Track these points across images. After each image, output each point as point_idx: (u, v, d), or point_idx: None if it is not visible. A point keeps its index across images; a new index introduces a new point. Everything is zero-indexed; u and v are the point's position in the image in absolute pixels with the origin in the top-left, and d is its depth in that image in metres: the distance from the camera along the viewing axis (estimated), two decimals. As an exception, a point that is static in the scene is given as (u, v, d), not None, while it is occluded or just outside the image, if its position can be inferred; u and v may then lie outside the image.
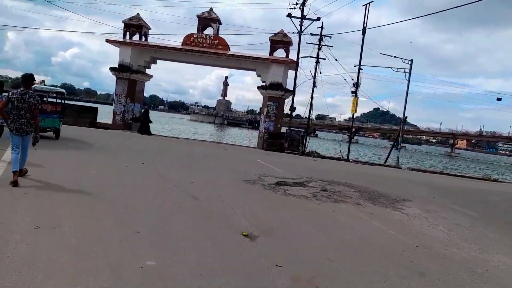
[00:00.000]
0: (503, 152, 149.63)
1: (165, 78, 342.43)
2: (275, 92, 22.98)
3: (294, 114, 25.61)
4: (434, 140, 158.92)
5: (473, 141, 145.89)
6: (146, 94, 26.78)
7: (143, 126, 21.70)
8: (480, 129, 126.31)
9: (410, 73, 20.10)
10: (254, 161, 13.85)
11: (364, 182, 11.22)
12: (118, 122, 23.81)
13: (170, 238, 4.35)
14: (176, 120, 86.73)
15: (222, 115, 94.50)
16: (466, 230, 6.67)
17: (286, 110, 24.35)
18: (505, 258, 5.21)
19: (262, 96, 24.12)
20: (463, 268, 4.55)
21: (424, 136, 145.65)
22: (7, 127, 6.20)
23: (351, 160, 21.93)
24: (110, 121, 24.49)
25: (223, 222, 5.24)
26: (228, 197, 6.84)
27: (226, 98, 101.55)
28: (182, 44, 23.97)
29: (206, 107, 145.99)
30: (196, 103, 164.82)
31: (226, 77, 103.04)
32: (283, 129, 24.19)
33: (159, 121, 62.88)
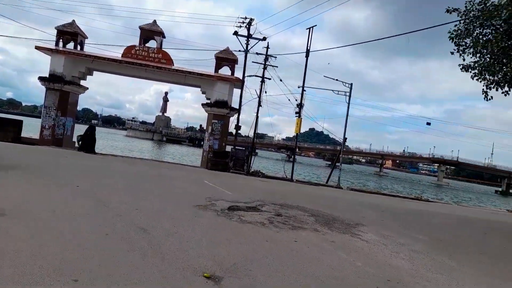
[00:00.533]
0: (423, 171, 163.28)
1: (99, 91, 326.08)
2: (220, 110, 22.46)
3: (242, 133, 25.25)
4: (363, 160, 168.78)
5: (397, 161, 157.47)
6: (78, 108, 24.68)
7: (87, 143, 19.85)
8: (404, 150, 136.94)
9: (350, 96, 20.85)
10: (201, 182, 13.05)
11: (314, 205, 10.99)
12: (47, 138, 21.53)
13: (118, 285, 3.52)
14: (112, 136, 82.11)
15: (161, 131, 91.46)
16: (425, 257, 6.56)
17: (231, 128, 23.90)
18: (473, 289, 5.08)
19: (206, 114, 23.44)
20: (441, 305, 4.28)
21: (355, 156, 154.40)
22: None
23: (294, 180, 21.93)
24: (37, 136, 22.08)
25: (180, 261, 4.48)
26: (181, 228, 6.05)
27: (166, 114, 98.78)
28: (122, 56, 22.60)
29: (144, 122, 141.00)
30: (133, 118, 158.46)
31: (166, 93, 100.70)
32: (228, 148, 23.63)
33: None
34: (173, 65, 23.10)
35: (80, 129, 24.23)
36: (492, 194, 74.35)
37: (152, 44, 23.49)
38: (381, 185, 48.15)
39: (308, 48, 21.25)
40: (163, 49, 23.34)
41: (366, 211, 11.80)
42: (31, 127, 28.55)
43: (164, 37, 23.67)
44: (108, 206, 6.92)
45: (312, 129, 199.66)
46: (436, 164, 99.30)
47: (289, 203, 10.53)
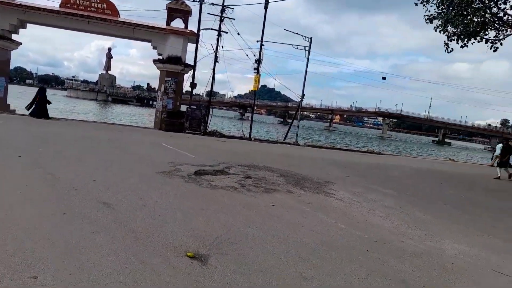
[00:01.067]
0: (368, 125, 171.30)
1: (33, 48, 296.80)
2: (174, 67, 21.02)
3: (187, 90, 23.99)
4: (313, 116, 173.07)
5: (345, 116, 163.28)
6: (10, 66, 21.98)
7: (38, 107, 17.73)
8: (351, 105, 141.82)
9: (309, 51, 20.39)
10: (159, 145, 12.23)
11: (280, 164, 10.75)
12: (-25, 100, 19.06)
13: (88, 278, 2.93)
14: (51, 97, 75.71)
15: (106, 91, 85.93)
16: (400, 213, 6.58)
17: (186, 87, 22.67)
18: (455, 245, 5.10)
19: (157, 71, 21.92)
20: (433, 265, 4.19)
21: (305, 112, 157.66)
22: None
23: (252, 139, 21.63)
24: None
25: (156, 240, 3.94)
26: (149, 199, 5.44)
27: (110, 72, 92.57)
28: (60, 6, 20.02)
29: (85, 81, 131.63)
30: (73, 77, 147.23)
31: (109, 49, 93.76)
32: (183, 108, 22.54)
33: (29, 98, 54.21)
34: (119, 16, 20.96)
35: (13, 90, 21.74)
36: (430, 144, 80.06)
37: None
38: (333, 140, 49.62)
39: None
40: (106, -1, 21.02)
41: (330, 168, 11.81)
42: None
43: (106, -15, 21.21)
44: (59, 178, 6.07)
45: (263, 86, 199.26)
46: (381, 118, 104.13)
47: (255, 164, 10.18)
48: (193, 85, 21.75)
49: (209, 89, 23.89)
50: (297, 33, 20.13)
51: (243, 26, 25.13)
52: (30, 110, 17.90)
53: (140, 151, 10.68)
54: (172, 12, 21.61)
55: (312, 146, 21.53)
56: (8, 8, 19.54)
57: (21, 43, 21.34)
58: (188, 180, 7.09)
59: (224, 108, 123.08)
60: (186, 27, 21.82)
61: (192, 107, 21.37)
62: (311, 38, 20.60)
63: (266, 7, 20.87)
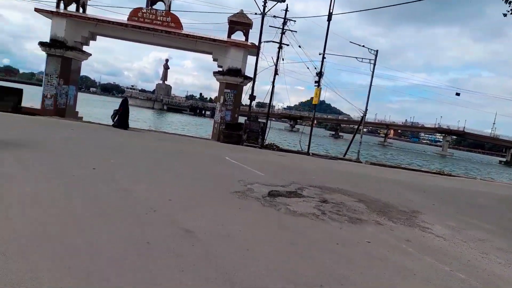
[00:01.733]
0: (425, 141, 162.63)
1: (97, 58, 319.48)
2: (234, 79, 20.90)
3: (243, 102, 23.64)
4: (365, 130, 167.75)
5: (399, 131, 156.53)
6: (78, 75, 22.88)
7: (121, 118, 18.22)
8: (406, 120, 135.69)
9: (375, 64, 19.28)
10: (223, 159, 11.84)
11: (353, 186, 9.87)
12: (49, 107, 20.13)
13: None
14: (111, 104, 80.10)
15: (162, 100, 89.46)
16: (519, 259, 5.46)
17: (244, 99, 22.46)
18: None
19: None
20: None
21: (357, 125, 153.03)
22: None
23: (310, 154, 20.77)
24: (38, 106, 20.66)
25: (254, 285, 3.32)
26: (231, 228, 4.87)
27: (166, 82, 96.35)
28: (128, 19, 20.78)
29: (143, 90, 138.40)
30: (132, 86, 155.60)
31: (167, 60, 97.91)
32: (240, 119, 22.31)
33: (93, 105, 57.39)
34: (183, 29, 21.33)
35: (79, 97, 22.74)
36: (497, 165, 73.81)
37: (159, 6, 21.63)
38: (389, 156, 47.21)
39: (331, 11, 19.45)
40: (171, 11, 21.50)
41: (408, 192, 10.68)
42: (30, 96, 27.00)
43: (172, -2, 21.72)
44: (134, 195, 5.73)
45: (311, 98, 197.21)
46: (439, 134, 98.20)
47: (327, 185, 9.38)
48: (252, 97, 21.46)
49: (260, 101, 23.51)
50: (363, 46, 19.18)
51: (298, 37, 24.57)
52: (114, 121, 18.31)
53: (207, 165, 10.31)
54: (234, 25, 21.59)
55: (375, 164, 20.22)
56: (81, 22, 20.61)
57: (90, 54, 22.42)
58: (265, 204, 6.48)
59: (273, 119, 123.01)
60: (246, 39, 21.69)
61: (251, 119, 21.03)
62: (376, 51, 19.52)
63: (329, 19, 20.13)
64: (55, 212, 4.50)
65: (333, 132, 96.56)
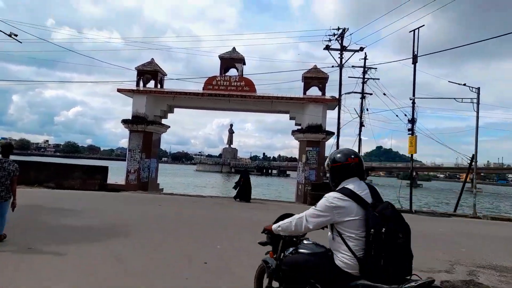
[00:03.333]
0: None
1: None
2: (315, 136, 19.44)
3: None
4: (442, 176, 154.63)
5: (482, 174, 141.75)
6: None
7: (242, 190, 17.11)
8: (488, 162, 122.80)
9: (478, 103, 16.69)
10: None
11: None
12: (132, 182, 20.02)
13: None
14: (182, 171, 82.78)
15: (229, 163, 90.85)
16: None
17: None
18: None
19: (298, 142, 20.58)
20: None
21: (432, 172, 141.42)
22: None
23: (413, 211, 17.87)
24: (121, 181, 20.69)
25: None
26: None
27: (232, 146, 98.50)
28: (203, 89, 20.81)
29: (209, 156, 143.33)
30: (200, 152, 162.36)
31: (231, 125, 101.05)
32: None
33: (165, 173, 59.14)
34: (256, 91, 20.82)
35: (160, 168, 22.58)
36: None
37: (232, 72, 21.59)
38: (488, 205, 41.21)
39: (416, 53, 17.70)
40: (244, 76, 21.28)
41: None
42: (111, 171, 27.74)
43: (244, 63, 21.64)
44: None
45: (379, 147, 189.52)
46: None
47: (495, 262, 6.93)
48: (338, 153, 19.60)
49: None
50: (464, 84, 16.84)
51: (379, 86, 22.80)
52: (235, 193, 17.29)
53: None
54: (309, 81, 20.68)
55: (496, 219, 16.70)
56: (159, 96, 21.03)
57: (169, 126, 22.61)
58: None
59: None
60: (323, 94, 20.51)
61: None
62: (478, 89, 17.02)
63: (415, 62, 18.30)
64: None
65: (408, 181, 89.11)
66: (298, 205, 18.18)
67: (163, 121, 22.12)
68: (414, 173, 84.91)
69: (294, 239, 2.90)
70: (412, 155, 18.12)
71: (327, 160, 2.68)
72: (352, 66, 19.70)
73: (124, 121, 20.32)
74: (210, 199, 17.68)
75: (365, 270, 2.31)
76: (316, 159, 19.48)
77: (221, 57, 21.18)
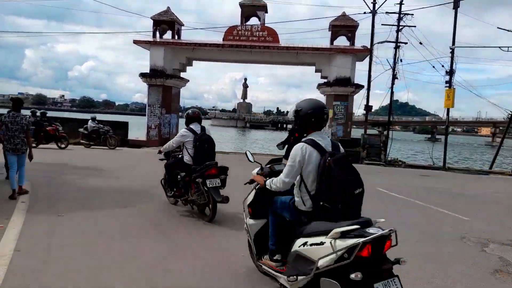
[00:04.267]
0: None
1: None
2: (343, 89, 18.23)
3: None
4: (459, 129, 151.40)
5: (500, 128, 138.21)
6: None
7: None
8: (509, 114, 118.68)
9: (526, 52, 15.11)
10: (375, 190, 9.13)
11: None
12: (154, 138, 19.47)
13: None
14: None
15: (244, 118, 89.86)
16: None
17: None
18: None
19: (324, 96, 19.45)
20: None
21: (451, 126, 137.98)
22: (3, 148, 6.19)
23: (446, 168, 17.00)
24: (142, 138, 20.19)
25: None
26: None
27: (246, 101, 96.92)
28: (223, 39, 19.47)
29: (223, 110, 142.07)
30: (214, 107, 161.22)
31: (245, 79, 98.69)
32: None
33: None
34: (279, 42, 19.41)
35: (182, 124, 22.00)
36: None
37: (253, 21, 20.11)
38: None
39: (459, -4, 15.87)
40: (266, 25, 19.77)
41: None
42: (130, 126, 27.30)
43: (266, 11, 20.03)
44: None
45: (395, 101, 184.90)
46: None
47: None
48: (368, 107, 18.51)
49: (390, 111, 20.39)
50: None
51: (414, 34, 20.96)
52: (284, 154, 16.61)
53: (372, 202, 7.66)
54: (337, 29, 19.06)
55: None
56: (178, 48, 19.80)
57: (188, 80, 21.59)
58: None
59: (354, 126, 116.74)
60: (352, 43, 18.99)
61: (368, 133, 18.08)
62: (528, 34, 15.30)
63: (456, 7, 16.49)
64: None
65: (429, 135, 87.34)
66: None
67: (182, 74, 21.08)
68: (435, 128, 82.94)
69: None
70: (448, 109, 16.86)
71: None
72: (386, 12, 17.90)
73: (142, 75, 19.35)
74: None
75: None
76: (344, 114, 18.43)
77: (242, 4, 19.60)
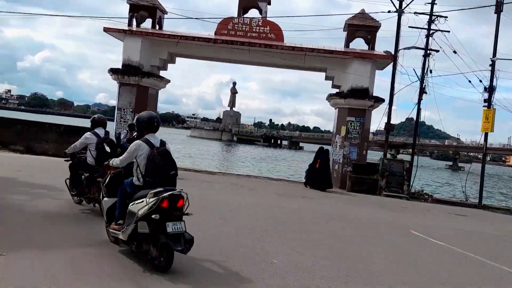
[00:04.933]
0: None
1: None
2: (360, 102, 17.79)
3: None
4: (479, 156, 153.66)
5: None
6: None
7: (318, 175, 15.62)
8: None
9: None
10: (409, 234, 8.59)
11: None
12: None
13: None
14: (173, 137, 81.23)
15: (231, 130, 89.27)
16: None
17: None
18: None
19: (335, 110, 19.08)
20: None
21: (472, 153, 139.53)
22: None
23: (481, 205, 16.68)
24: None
25: None
26: None
27: (235, 109, 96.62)
28: (216, 33, 19.05)
29: (205, 119, 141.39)
30: (194, 114, 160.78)
31: (234, 83, 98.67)
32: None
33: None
34: (284, 41, 19.08)
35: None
36: None
37: (253, 14, 19.84)
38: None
39: (502, -2, 15.86)
40: (268, 19, 19.47)
41: None
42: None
43: (269, 3, 19.76)
44: None
45: (410, 119, 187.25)
46: None
47: None
48: (389, 126, 18.17)
49: (416, 131, 20.03)
50: None
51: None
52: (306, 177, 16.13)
53: (395, 250, 7.07)
54: (355, 29, 18.84)
55: None
56: (158, 40, 19.19)
57: (169, 81, 20.97)
58: None
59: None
60: (371, 47, 18.76)
61: (389, 158, 17.68)
62: None
63: (499, 10, 16.49)
64: None
65: (450, 163, 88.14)
66: (340, 194, 16.76)
67: (162, 73, 20.49)
68: (457, 155, 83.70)
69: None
70: (486, 133, 16.61)
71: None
72: (415, 13, 17.70)
73: (113, 71, 18.65)
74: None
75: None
76: (359, 132, 17.97)
77: (240, -7, 19.30)
